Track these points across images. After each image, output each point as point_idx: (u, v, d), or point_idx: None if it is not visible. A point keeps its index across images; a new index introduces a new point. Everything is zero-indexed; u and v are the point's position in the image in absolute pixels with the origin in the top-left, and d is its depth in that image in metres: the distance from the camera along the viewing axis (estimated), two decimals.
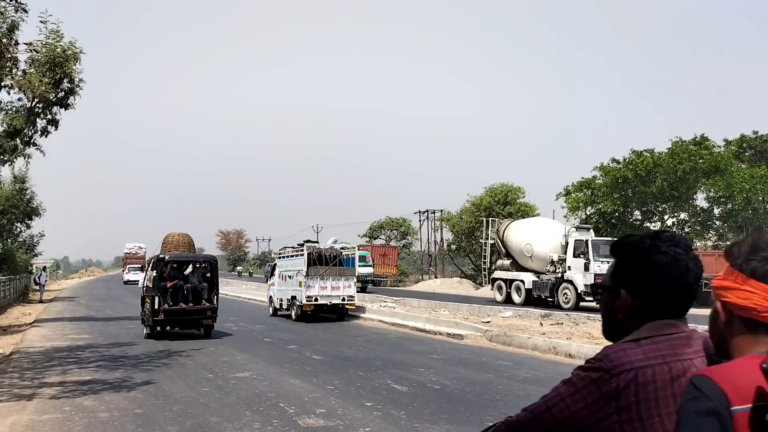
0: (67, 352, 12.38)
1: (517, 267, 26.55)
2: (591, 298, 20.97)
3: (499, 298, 26.63)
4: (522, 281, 25.30)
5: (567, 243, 23.34)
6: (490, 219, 32.91)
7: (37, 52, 16.40)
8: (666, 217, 41.74)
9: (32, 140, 20.51)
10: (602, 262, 21.13)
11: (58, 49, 19.12)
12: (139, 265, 62.80)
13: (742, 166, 41.93)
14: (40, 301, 31.08)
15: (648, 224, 42.01)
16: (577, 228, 25.19)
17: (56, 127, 20.68)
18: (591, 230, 26.54)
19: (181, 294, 14.85)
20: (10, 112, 19.50)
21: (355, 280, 20.87)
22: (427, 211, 61.28)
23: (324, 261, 19.69)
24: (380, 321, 18.77)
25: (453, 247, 58.40)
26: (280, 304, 21.11)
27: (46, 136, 20.54)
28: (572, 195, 43.22)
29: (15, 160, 20.95)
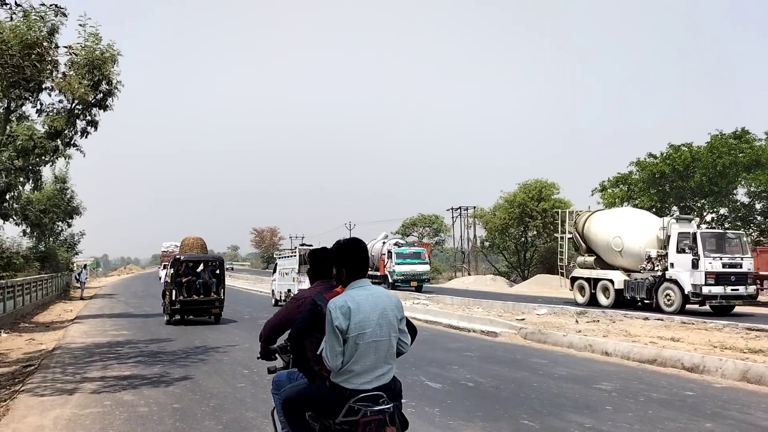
0: (107, 348, 12.66)
1: (602, 264, 23.83)
2: (698, 299, 19.00)
3: (580, 299, 23.98)
4: (611, 281, 22.58)
5: (667, 236, 20.52)
6: (567, 210, 29.95)
7: (76, 54, 16.77)
8: (705, 212, 40.74)
9: (72, 141, 21.03)
10: (714, 258, 19.06)
11: (97, 52, 19.56)
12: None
13: None
14: (81, 298, 31.90)
15: None
16: (678, 219, 22.05)
17: (95, 128, 21.16)
18: (694, 221, 23.94)
19: (194, 288, 17.47)
20: (51, 114, 20.03)
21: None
22: (459, 207, 61.01)
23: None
24: (413, 318, 18.73)
25: (486, 244, 58.04)
26: (280, 296, 24.58)
27: (85, 137, 21.03)
28: (608, 191, 42.57)
29: (56, 160, 21.50)
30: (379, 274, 36.16)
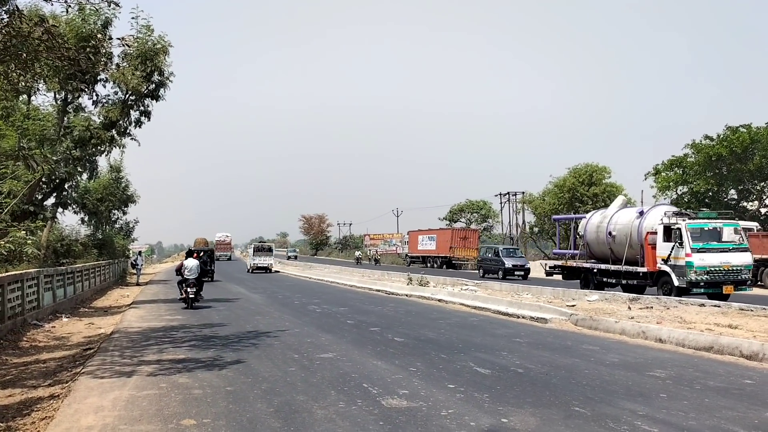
0: (162, 333, 13.04)
1: None
2: None
3: None
4: None
5: None
6: None
7: (129, 46, 17.15)
8: (765, 196, 39.14)
9: (127, 131, 21.62)
10: None
11: (149, 44, 20.01)
12: (229, 252, 79.24)
13: None
14: (137, 284, 32.93)
15: (744, 203, 39.62)
16: None
17: (149, 118, 21.72)
18: None
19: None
20: (106, 105, 20.62)
21: (273, 256, 49.48)
22: (508, 193, 60.34)
23: (261, 248, 48.49)
24: (461, 304, 18.67)
25: (535, 229, 57.24)
26: (249, 267, 47.24)
27: (140, 127, 21.62)
28: (662, 174, 41.41)
29: (111, 150, 22.17)
30: (644, 270, 20.66)
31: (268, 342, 11.44)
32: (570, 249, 27.90)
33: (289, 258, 78.46)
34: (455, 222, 68.91)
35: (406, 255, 60.78)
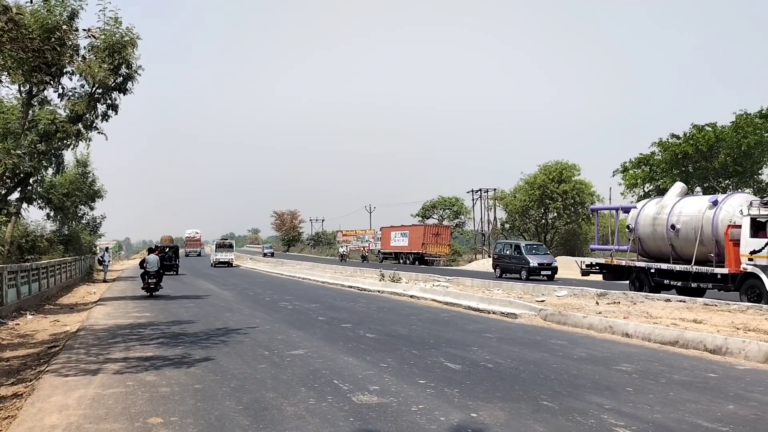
0: (129, 330, 12.84)
1: None
2: None
3: None
4: None
5: None
6: None
7: (96, 38, 16.85)
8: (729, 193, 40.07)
9: (93, 124, 21.20)
10: None
11: (117, 35, 19.62)
12: (199, 249, 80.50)
13: None
14: (104, 281, 32.38)
15: None
16: None
17: (116, 112, 21.32)
18: None
19: (165, 258, 29.27)
20: (72, 98, 20.17)
21: (233, 252, 53.90)
22: (480, 190, 60.71)
23: (222, 245, 51.76)
24: (433, 300, 18.75)
25: (507, 226, 57.76)
26: (212, 261, 50.65)
27: (106, 120, 21.21)
28: (630, 172, 42.11)
29: (78, 144, 21.71)
30: (722, 271, 17.45)
31: (238, 339, 11.34)
32: (614, 245, 23.84)
33: (265, 255, 75.23)
34: (428, 218, 69.16)
35: (379, 251, 60.84)
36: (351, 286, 25.54)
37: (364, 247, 70.90)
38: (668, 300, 16.15)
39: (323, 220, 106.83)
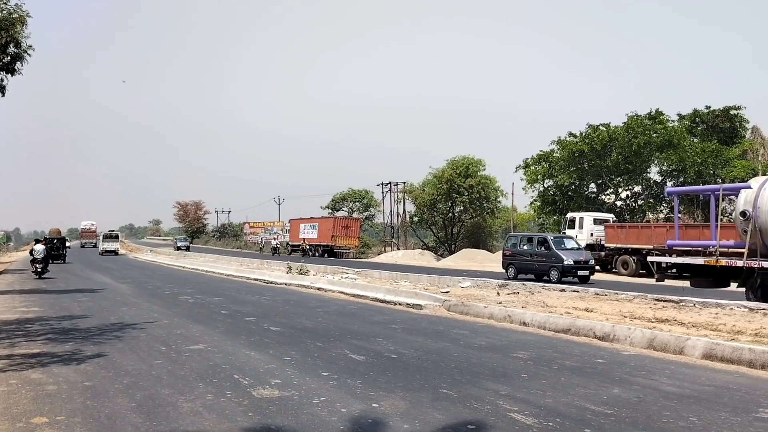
0: (16, 325, 12.03)
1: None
2: None
3: None
4: None
5: None
6: None
7: None
8: (620, 190, 42.55)
9: None
10: None
11: (4, 12, 18.23)
12: (94, 240, 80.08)
13: (695, 140, 42.93)
14: None
15: (603, 197, 42.84)
16: None
17: (3, 94, 19.84)
18: None
19: (54, 248, 35.71)
20: None
21: (119, 242, 64.14)
22: (389, 183, 61.22)
23: (109, 236, 61.66)
24: (341, 292, 18.76)
25: (415, 219, 58.63)
26: (100, 250, 58.20)
27: None
28: (531, 168, 43.74)
29: None
30: None
31: (134, 334, 10.87)
32: (713, 239, 16.59)
33: (179, 249, 66.25)
34: (337, 211, 69.11)
35: (287, 243, 60.21)
36: (257, 279, 25.11)
37: (274, 238, 69.36)
38: (563, 290, 16.95)
39: (229, 212, 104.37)
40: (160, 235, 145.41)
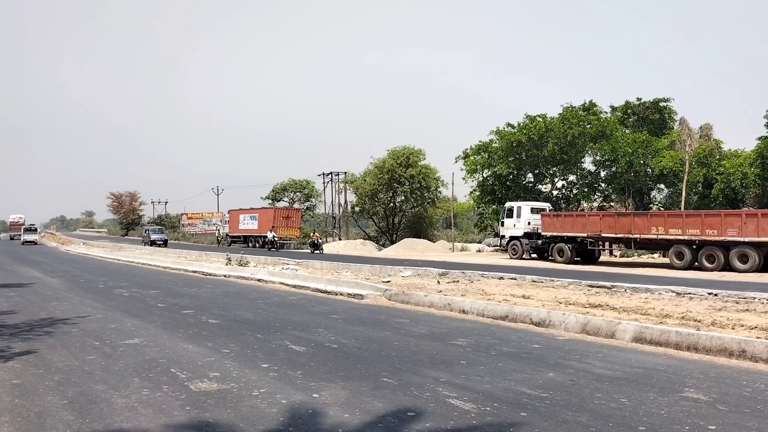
0: None
1: None
2: None
3: None
4: None
5: None
6: None
7: None
8: (556, 179, 43.69)
9: None
10: None
11: None
12: (18, 232, 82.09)
13: (626, 131, 44.49)
14: None
15: (540, 186, 43.88)
16: None
17: None
18: None
19: None
20: None
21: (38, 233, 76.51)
22: (331, 173, 61.01)
23: (29, 229, 71.83)
24: (282, 283, 18.60)
25: (357, 209, 58.67)
26: (22, 241, 66.38)
27: None
28: (470, 158, 44.35)
29: None
30: None
31: (66, 330, 10.48)
32: None
33: (153, 243, 54.59)
34: (278, 201, 68.40)
35: (227, 235, 59.19)
36: (195, 271, 24.60)
37: (217, 229, 67.62)
38: (501, 278, 17.32)
39: (166, 203, 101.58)
40: (93, 227, 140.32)
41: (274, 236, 48.72)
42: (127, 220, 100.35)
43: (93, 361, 7.89)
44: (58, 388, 6.50)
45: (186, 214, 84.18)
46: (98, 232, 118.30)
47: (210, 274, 23.06)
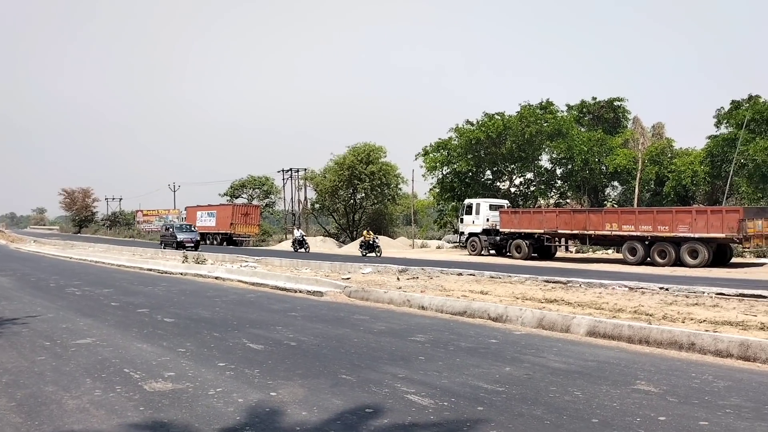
0: None
1: None
2: None
3: None
4: None
5: None
6: None
7: None
8: (514, 176, 44.26)
9: None
10: None
11: None
12: None
13: (582, 129, 45.37)
14: None
15: (498, 183, 44.41)
16: None
17: None
18: None
19: None
20: None
21: None
22: (290, 169, 60.60)
23: None
24: (240, 281, 18.39)
25: (317, 206, 58.42)
26: None
27: None
28: (430, 155, 44.59)
29: None
30: None
31: (14, 330, 10.16)
32: None
33: (182, 247, 39.22)
34: (237, 198, 67.59)
35: None
36: (151, 269, 24.13)
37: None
38: (460, 274, 17.48)
39: (121, 199, 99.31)
40: (45, 225, 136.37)
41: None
42: (80, 217, 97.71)
43: (43, 361, 7.67)
44: (6, 390, 6.29)
45: (141, 211, 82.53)
46: (50, 229, 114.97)
47: (166, 272, 22.65)
